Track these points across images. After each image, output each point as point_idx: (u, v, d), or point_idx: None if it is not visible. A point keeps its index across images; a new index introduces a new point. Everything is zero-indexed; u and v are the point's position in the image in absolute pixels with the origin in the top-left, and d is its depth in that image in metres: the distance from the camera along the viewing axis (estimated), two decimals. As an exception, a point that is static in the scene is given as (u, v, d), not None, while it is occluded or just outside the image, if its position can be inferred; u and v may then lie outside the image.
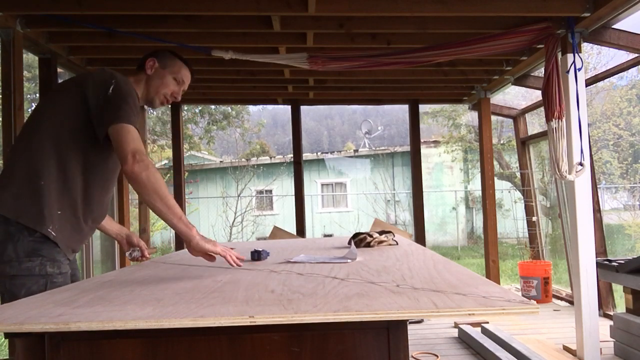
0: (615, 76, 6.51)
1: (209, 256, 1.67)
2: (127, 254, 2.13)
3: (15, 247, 1.69)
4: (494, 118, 6.26)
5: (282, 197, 14.22)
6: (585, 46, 9.03)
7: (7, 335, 1.15)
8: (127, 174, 1.66)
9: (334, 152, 16.85)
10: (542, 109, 3.68)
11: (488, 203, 5.24)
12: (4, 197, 1.73)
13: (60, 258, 1.76)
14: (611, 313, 3.86)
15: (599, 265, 3.49)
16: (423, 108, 10.95)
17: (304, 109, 5.71)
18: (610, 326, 3.45)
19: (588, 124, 3.47)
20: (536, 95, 5.70)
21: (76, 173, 1.79)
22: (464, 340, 3.87)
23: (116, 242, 2.26)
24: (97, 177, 1.85)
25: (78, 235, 1.85)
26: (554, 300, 5.32)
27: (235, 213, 12.37)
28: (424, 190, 5.64)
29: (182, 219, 1.65)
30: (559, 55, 3.33)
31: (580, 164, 3.23)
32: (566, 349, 3.51)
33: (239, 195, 12.71)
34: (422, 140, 6.54)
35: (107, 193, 1.95)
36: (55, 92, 1.96)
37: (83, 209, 1.84)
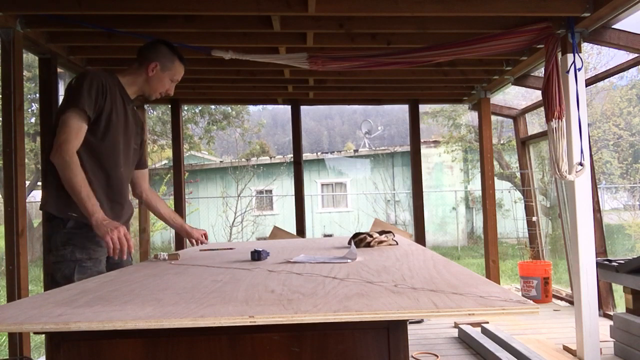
0: (615, 76, 6.51)
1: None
2: (152, 256, 2.24)
3: (55, 239, 2.05)
4: (494, 118, 6.25)
5: (282, 197, 14.22)
6: (585, 46, 9.03)
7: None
8: (50, 160, 2.01)
9: (334, 152, 16.85)
10: (542, 109, 3.67)
11: (488, 203, 5.24)
12: (43, 196, 2.10)
13: (91, 246, 2.05)
14: (611, 313, 3.86)
15: (599, 265, 3.49)
16: (423, 108, 10.95)
17: (304, 109, 5.70)
18: (610, 326, 3.45)
19: (588, 124, 3.47)
20: (536, 95, 5.70)
21: (82, 161, 2.04)
22: (464, 340, 3.87)
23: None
24: (98, 157, 2.11)
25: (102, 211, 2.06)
26: (554, 300, 5.32)
27: (235, 213, 12.37)
28: (424, 190, 5.63)
29: (86, 205, 1.95)
30: (559, 55, 3.33)
31: (580, 164, 3.23)
32: (566, 349, 3.51)
33: (239, 195, 12.71)
34: (422, 140, 6.54)
35: (116, 168, 2.18)
36: None
37: (99, 190, 2.09)
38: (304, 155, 6.13)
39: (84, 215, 1.99)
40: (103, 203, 2.09)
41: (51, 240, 2.06)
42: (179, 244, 5.40)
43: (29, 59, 9.95)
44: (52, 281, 2.03)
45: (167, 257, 2.11)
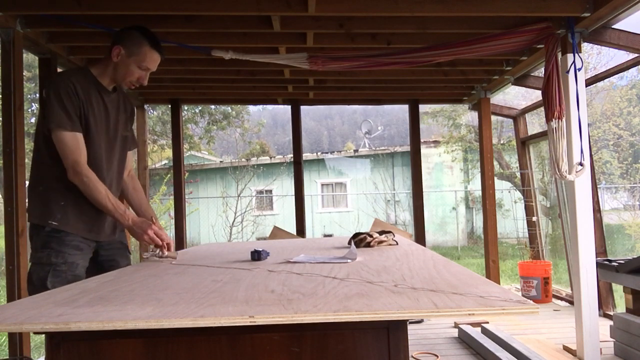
0: (615, 76, 6.52)
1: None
2: (145, 254, 2.18)
3: (35, 242, 2.06)
4: (494, 118, 6.26)
5: (282, 197, 14.22)
6: (585, 46, 9.03)
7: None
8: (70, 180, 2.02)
9: (334, 152, 16.84)
10: (542, 109, 3.67)
11: (488, 203, 5.24)
12: (28, 208, 2.13)
13: (68, 250, 2.04)
14: (611, 313, 3.86)
15: (599, 265, 3.48)
16: (423, 108, 10.94)
17: (304, 109, 5.70)
18: (610, 326, 3.45)
19: (588, 124, 3.47)
20: (536, 95, 5.69)
21: (62, 171, 2.04)
22: (464, 340, 3.87)
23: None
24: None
25: (86, 218, 2.10)
26: (554, 300, 5.32)
27: (235, 213, 12.36)
28: (424, 190, 5.63)
29: (115, 216, 2.05)
30: (559, 55, 3.33)
31: (580, 164, 3.23)
32: (566, 349, 3.51)
33: (239, 195, 12.70)
34: (422, 140, 6.54)
35: (99, 172, 2.11)
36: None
37: (81, 198, 2.07)
38: (304, 155, 6.13)
39: (63, 222, 2.04)
40: (86, 210, 2.08)
41: (32, 242, 2.08)
42: (179, 244, 5.40)
43: (29, 59, 9.95)
44: (28, 281, 2.04)
45: (161, 254, 2.08)
